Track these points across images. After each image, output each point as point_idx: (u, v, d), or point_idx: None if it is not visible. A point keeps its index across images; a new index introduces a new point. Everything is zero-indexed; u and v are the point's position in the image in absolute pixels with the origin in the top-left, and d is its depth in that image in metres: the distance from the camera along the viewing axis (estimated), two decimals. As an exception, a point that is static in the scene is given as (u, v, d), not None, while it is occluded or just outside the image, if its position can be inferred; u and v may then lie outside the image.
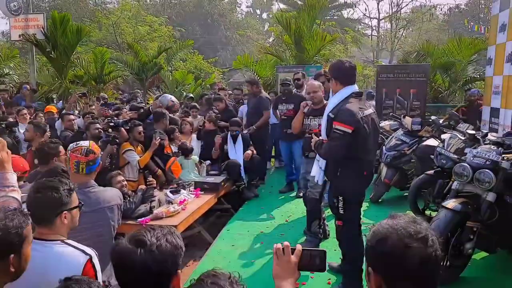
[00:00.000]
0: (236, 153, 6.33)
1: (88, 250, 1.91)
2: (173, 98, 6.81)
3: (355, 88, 3.35)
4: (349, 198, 3.39)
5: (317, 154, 3.67)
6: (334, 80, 3.37)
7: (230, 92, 10.32)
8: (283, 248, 1.43)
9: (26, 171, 3.35)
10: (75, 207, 2.00)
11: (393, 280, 1.20)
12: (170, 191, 5.15)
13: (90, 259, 1.87)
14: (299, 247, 1.44)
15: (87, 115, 6.04)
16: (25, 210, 1.67)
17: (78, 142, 2.57)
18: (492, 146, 3.68)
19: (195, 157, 6.17)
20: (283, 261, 1.42)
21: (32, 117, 6.60)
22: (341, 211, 3.40)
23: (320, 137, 3.56)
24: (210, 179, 5.81)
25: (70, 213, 1.96)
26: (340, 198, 3.38)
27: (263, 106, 7.06)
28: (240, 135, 6.42)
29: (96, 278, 1.79)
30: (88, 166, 2.48)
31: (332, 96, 3.42)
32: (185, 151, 6.02)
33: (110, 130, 5.46)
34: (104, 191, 2.58)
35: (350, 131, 3.15)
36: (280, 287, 1.40)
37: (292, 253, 1.43)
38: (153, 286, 1.29)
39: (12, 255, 1.49)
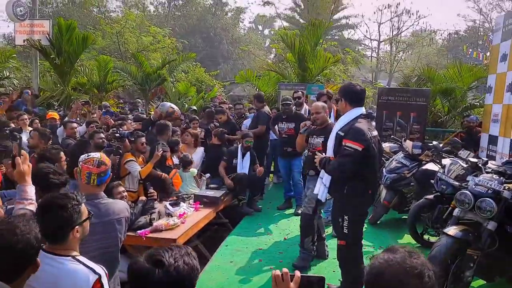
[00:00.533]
0: (243, 167, 6.36)
1: (98, 268, 1.92)
2: (173, 105, 6.84)
3: (363, 110, 3.48)
4: (354, 217, 3.44)
5: (321, 171, 3.71)
6: (344, 101, 3.48)
7: (230, 105, 10.40)
8: (282, 275, 1.43)
9: None
10: (86, 219, 2.01)
11: None
12: (170, 204, 5.16)
13: (99, 278, 1.88)
14: (297, 274, 1.44)
15: (91, 124, 6.05)
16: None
17: (89, 154, 2.59)
18: (494, 175, 3.73)
19: (193, 170, 6.19)
20: None
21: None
22: (346, 231, 3.43)
23: (325, 154, 3.61)
24: (210, 193, 5.82)
25: (81, 226, 1.97)
26: (346, 217, 3.42)
27: (260, 120, 7.14)
28: (249, 150, 6.47)
29: None
30: (100, 177, 2.49)
31: (342, 116, 3.52)
32: (185, 163, 6.05)
33: (113, 140, 5.50)
34: (113, 203, 2.59)
35: (360, 149, 3.25)
36: None
37: (291, 280, 1.43)
38: None
39: (29, 267, 1.51)
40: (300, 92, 7.18)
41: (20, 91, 10.09)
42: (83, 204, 2.02)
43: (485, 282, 4.09)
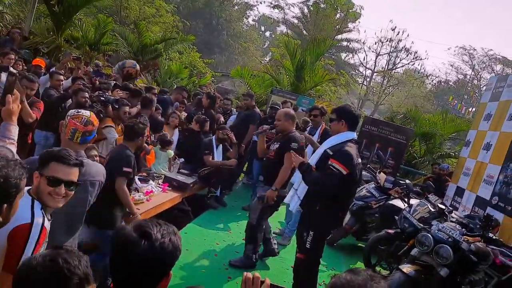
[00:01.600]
0: (217, 159, 6.34)
1: (39, 218, 1.82)
2: (133, 63, 6.75)
3: (355, 135, 3.51)
4: (319, 234, 3.48)
5: (295, 183, 3.74)
6: (345, 123, 3.49)
7: (220, 98, 10.34)
8: (252, 278, 1.44)
9: None
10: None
11: None
12: (139, 179, 5.09)
13: (30, 225, 1.78)
14: (267, 281, 1.45)
15: (78, 81, 5.90)
16: (22, 162, 1.62)
17: (79, 110, 2.53)
18: (457, 225, 3.87)
19: (170, 151, 6.13)
20: None
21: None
22: (308, 246, 3.46)
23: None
24: (181, 178, 5.78)
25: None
26: (311, 232, 3.45)
27: (252, 119, 7.14)
28: (222, 142, 6.44)
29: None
30: (84, 136, 2.44)
31: (331, 135, 3.56)
32: (164, 143, 5.98)
33: (97, 103, 5.37)
34: (91, 165, 2.53)
35: (345, 172, 3.26)
36: None
37: (260, 286, 1.44)
38: (143, 280, 1.28)
39: (5, 205, 1.47)
40: (289, 103, 7.26)
41: (9, 30, 9.72)
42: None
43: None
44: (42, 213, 1.87)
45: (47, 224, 1.88)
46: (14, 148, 2.08)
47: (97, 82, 6.78)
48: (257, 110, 7.36)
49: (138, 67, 6.99)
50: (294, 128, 4.50)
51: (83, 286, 1.25)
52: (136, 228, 1.30)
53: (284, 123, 4.37)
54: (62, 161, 1.93)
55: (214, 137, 6.51)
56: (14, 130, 2.09)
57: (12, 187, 1.48)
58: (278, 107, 6.47)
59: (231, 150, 6.57)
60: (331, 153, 3.38)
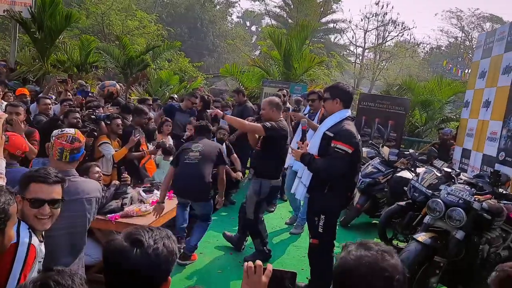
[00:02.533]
0: None
1: (24, 237, 1.76)
2: (112, 83, 6.81)
3: (349, 112, 3.47)
4: (331, 216, 3.45)
5: (299, 171, 3.70)
6: (340, 101, 3.44)
7: (213, 99, 10.29)
8: (254, 267, 1.40)
9: (24, 152, 3.31)
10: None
11: None
12: (143, 190, 5.06)
13: (16, 244, 1.73)
14: (270, 267, 1.41)
15: (65, 103, 5.87)
16: (10, 188, 1.60)
17: (63, 129, 2.49)
18: (466, 186, 3.81)
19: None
20: (253, 280, 1.39)
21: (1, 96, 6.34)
22: (321, 230, 3.43)
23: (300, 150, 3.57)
24: (185, 183, 5.74)
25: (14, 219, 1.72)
26: (322, 216, 3.42)
27: (247, 114, 7.09)
28: (223, 142, 6.39)
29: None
30: (72, 154, 2.40)
31: (328, 116, 3.51)
32: (166, 152, 5.94)
33: (88, 122, 5.35)
34: (84, 182, 2.51)
35: (350, 151, 3.24)
36: None
37: (263, 273, 1.40)
38: None
39: None
40: (284, 91, 7.19)
41: (-5, 63, 9.73)
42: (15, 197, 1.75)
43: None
44: (30, 232, 1.83)
45: (37, 243, 1.84)
46: (3, 182, 2.05)
47: (84, 101, 6.72)
48: (249, 104, 7.31)
49: (117, 86, 7.10)
50: (281, 116, 4.36)
51: None
52: (126, 237, 1.26)
53: (268, 112, 4.23)
54: (41, 180, 1.89)
55: (214, 139, 6.45)
56: (1, 164, 2.05)
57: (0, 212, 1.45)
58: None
59: (234, 154, 6.52)
60: (331, 134, 3.33)
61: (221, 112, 4.78)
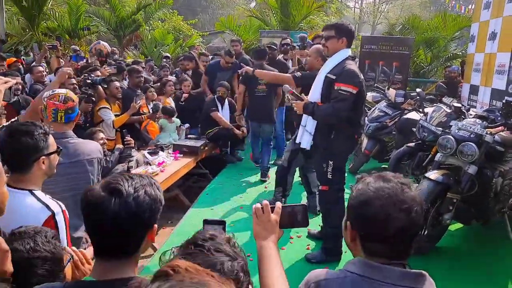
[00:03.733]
0: (224, 117, 6.17)
1: (54, 205, 1.77)
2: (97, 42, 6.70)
3: (349, 52, 3.30)
4: (339, 161, 3.38)
5: (303, 119, 3.57)
6: (342, 39, 3.25)
7: (211, 57, 10.02)
8: (262, 208, 1.38)
9: None
10: (54, 152, 1.87)
11: (369, 241, 1.21)
12: (148, 152, 5.02)
13: (53, 215, 1.74)
14: (278, 204, 1.39)
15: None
16: None
17: (54, 90, 2.38)
18: (477, 120, 3.69)
19: (177, 120, 6.02)
20: (263, 220, 1.37)
21: None
22: (330, 176, 3.37)
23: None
24: (190, 142, 5.69)
25: (48, 159, 1.83)
26: (330, 162, 3.35)
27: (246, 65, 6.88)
28: (227, 99, 6.25)
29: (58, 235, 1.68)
30: (67, 114, 2.31)
31: (329, 57, 3.34)
32: (169, 113, 5.84)
33: (85, 87, 5.22)
34: (83, 143, 2.43)
35: (355, 91, 3.13)
36: (262, 246, 1.35)
37: (272, 212, 1.38)
38: (125, 239, 1.17)
39: None
40: (288, 40, 6.92)
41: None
42: (51, 136, 1.87)
43: (462, 225, 4.19)
44: (54, 200, 1.81)
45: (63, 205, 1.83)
46: None
47: (79, 67, 6.56)
48: (246, 56, 7.10)
49: (103, 43, 7.02)
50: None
51: None
52: (104, 186, 1.17)
53: (313, 61, 4.14)
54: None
55: (215, 96, 6.30)
56: None
57: None
58: (275, 47, 6.23)
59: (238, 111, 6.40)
60: (333, 77, 3.19)
61: (251, 69, 4.78)
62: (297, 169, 4.66)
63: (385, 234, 1.16)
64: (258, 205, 1.38)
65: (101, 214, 1.13)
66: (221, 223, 1.37)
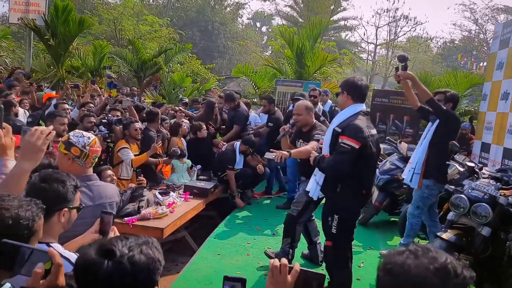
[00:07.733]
0: (238, 164, 6.25)
1: (73, 257, 1.73)
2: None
3: (363, 107, 3.35)
4: (345, 217, 3.29)
5: (316, 169, 3.60)
6: (347, 95, 3.33)
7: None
8: (280, 266, 1.32)
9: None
10: (76, 208, 1.88)
11: None
12: (159, 193, 5.06)
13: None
14: (297, 267, 1.33)
15: (83, 108, 5.92)
16: (38, 202, 1.54)
17: (89, 136, 2.39)
18: (491, 181, 3.69)
19: (188, 161, 6.10)
20: (278, 280, 1.31)
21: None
22: (334, 231, 3.28)
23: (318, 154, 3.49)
24: (200, 184, 5.73)
25: (69, 212, 1.82)
26: (336, 216, 3.27)
27: (236, 120, 6.99)
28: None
29: None
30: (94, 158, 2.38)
31: (340, 111, 3.42)
32: (181, 155, 5.93)
33: (103, 125, 5.37)
34: (105, 186, 2.47)
35: (357, 146, 3.11)
36: None
37: (289, 272, 1.32)
38: None
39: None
40: (317, 91, 6.79)
41: (11, 71, 9.87)
42: (78, 192, 1.89)
43: (474, 288, 4.07)
44: (70, 251, 1.79)
45: None
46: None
47: (110, 94, 6.66)
48: (241, 108, 7.08)
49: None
50: (314, 119, 4.32)
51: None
52: (97, 249, 1.14)
53: (306, 117, 4.19)
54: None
55: (237, 144, 6.29)
56: (11, 165, 1.99)
57: (23, 229, 1.39)
58: (300, 98, 5.76)
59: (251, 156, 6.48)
60: (339, 130, 3.22)
61: (287, 154, 3.91)
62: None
63: None
64: (277, 262, 1.34)
65: (91, 278, 1.10)
66: (241, 280, 1.34)
